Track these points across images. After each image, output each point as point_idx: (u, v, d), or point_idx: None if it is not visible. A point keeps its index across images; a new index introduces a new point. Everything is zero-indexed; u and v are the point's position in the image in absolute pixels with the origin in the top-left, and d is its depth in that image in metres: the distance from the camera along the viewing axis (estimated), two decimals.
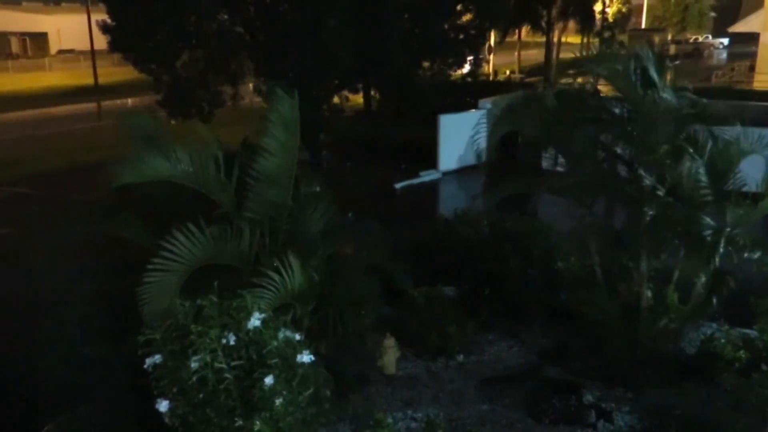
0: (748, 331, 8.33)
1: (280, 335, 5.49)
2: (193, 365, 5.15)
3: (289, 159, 6.79)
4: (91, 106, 40.41)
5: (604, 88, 9.18)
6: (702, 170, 7.60)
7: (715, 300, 8.04)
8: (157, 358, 5.35)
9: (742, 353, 7.80)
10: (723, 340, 8.10)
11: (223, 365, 5.20)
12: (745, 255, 7.68)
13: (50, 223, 16.20)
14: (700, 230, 7.37)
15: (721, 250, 7.62)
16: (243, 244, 6.64)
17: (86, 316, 6.83)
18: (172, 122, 21.28)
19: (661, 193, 7.64)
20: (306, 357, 5.45)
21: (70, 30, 72.12)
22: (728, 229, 7.48)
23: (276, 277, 6.29)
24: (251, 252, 6.75)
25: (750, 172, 7.96)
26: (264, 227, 6.82)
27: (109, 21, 21.37)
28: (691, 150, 7.43)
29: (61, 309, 7.03)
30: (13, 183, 20.93)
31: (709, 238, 7.48)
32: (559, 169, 8.53)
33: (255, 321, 5.39)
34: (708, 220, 7.39)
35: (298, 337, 5.65)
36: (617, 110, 7.97)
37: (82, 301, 7.07)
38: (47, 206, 18.56)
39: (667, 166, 7.54)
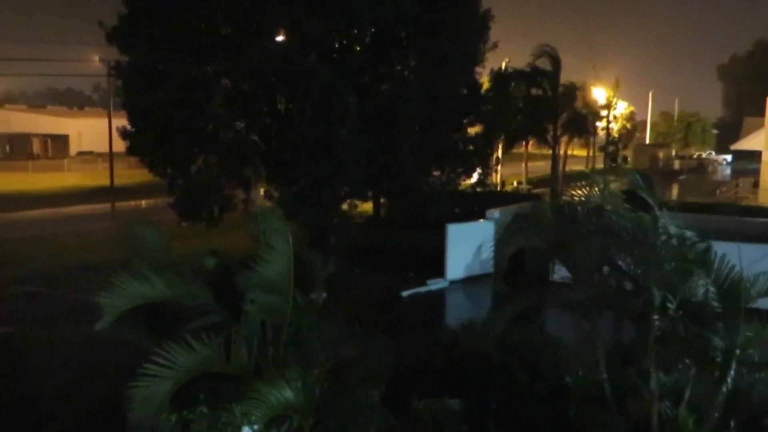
0: None
1: None
2: None
3: (286, 266, 6.83)
4: (106, 206, 41.10)
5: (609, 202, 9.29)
6: (712, 288, 7.56)
7: (732, 423, 7.75)
8: None
9: None
10: None
11: None
12: (760, 375, 7.51)
13: (54, 322, 16.10)
14: (709, 349, 7.25)
15: (734, 369, 7.45)
16: (242, 353, 6.56)
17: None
18: (183, 224, 21.62)
19: (669, 308, 7.58)
20: None
21: (91, 133, 74.61)
22: (738, 351, 7.34)
23: (272, 389, 6.17)
24: (251, 361, 6.65)
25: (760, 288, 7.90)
26: (266, 335, 6.77)
27: (128, 127, 22.15)
28: (699, 269, 7.43)
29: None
30: (22, 281, 20.99)
31: (719, 359, 7.35)
32: (566, 280, 8.52)
33: None
34: (717, 340, 7.28)
35: None
36: (622, 225, 8.04)
37: (75, 409, 6.93)
38: (53, 305, 18.51)
39: (674, 283, 7.52)
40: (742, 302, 7.55)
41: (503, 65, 33.56)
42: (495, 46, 25.92)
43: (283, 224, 6.90)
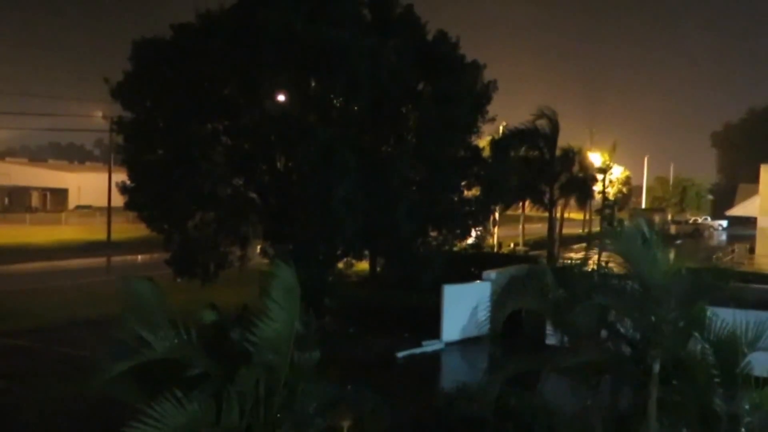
0: None
1: None
2: None
3: (289, 325, 6.77)
4: (102, 260, 41.00)
5: (607, 264, 9.28)
6: (710, 353, 7.50)
7: None
8: None
9: None
10: None
11: None
12: None
13: (43, 378, 15.83)
14: (709, 416, 7.13)
15: None
16: (233, 413, 6.42)
17: None
18: (178, 280, 21.50)
19: (667, 373, 7.50)
20: None
21: (90, 187, 75.04)
22: (747, 419, 7.22)
23: None
24: (242, 423, 6.50)
25: (759, 356, 7.83)
26: (259, 395, 6.64)
27: (128, 182, 22.29)
28: (698, 333, 7.38)
29: None
30: (13, 335, 20.73)
31: (718, 425, 7.22)
32: (563, 344, 8.44)
33: None
34: (720, 402, 7.18)
35: None
36: (621, 288, 8.03)
37: None
38: (44, 361, 18.24)
39: (674, 346, 7.46)
40: (739, 367, 7.49)
41: (500, 130, 33.99)
42: (493, 119, 26.38)
43: (294, 282, 6.84)
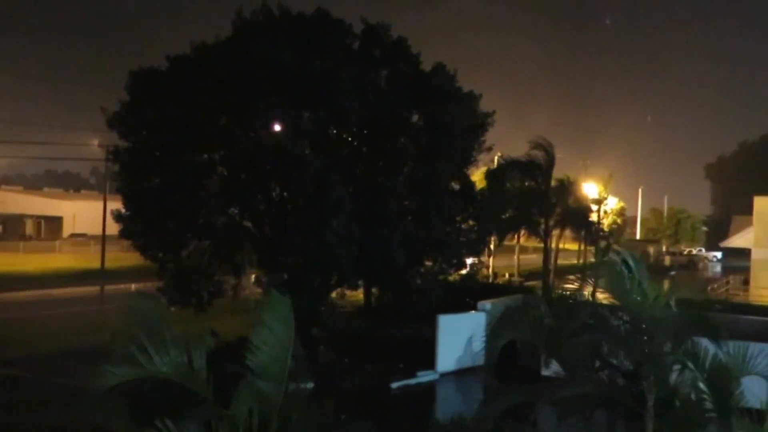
0: None
1: None
2: None
3: (283, 354, 6.76)
4: (95, 289, 40.74)
5: (600, 296, 9.30)
6: (703, 385, 7.48)
7: None
8: None
9: None
10: None
11: None
12: None
13: (32, 408, 15.63)
14: None
15: None
16: None
17: None
18: (171, 309, 21.38)
19: (662, 406, 7.46)
20: None
21: (85, 215, 74.85)
22: None
23: None
24: None
25: (752, 388, 7.82)
26: (252, 424, 6.59)
27: (123, 210, 22.30)
28: (691, 365, 7.37)
29: None
30: (4, 365, 20.53)
31: None
32: (558, 375, 8.41)
33: None
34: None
35: None
36: (614, 321, 8.03)
37: None
38: (34, 390, 18.04)
39: (666, 379, 7.45)
40: (733, 399, 7.47)
41: (495, 161, 34.19)
42: (490, 149, 26.56)
43: (288, 311, 6.86)
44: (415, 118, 24.09)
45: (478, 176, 28.97)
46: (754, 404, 7.70)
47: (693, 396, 7.46)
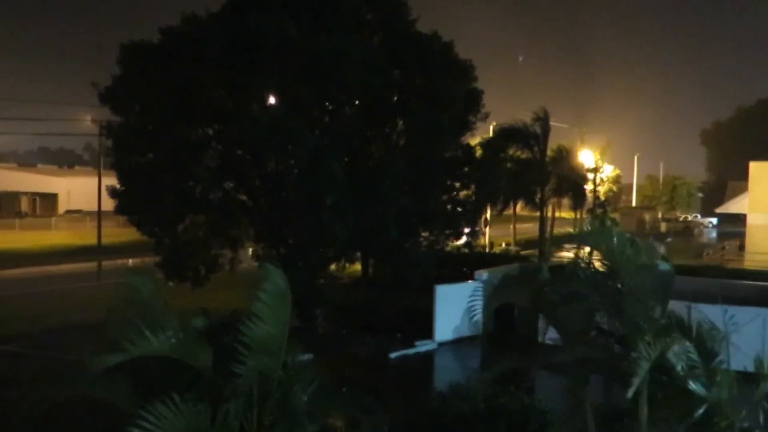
0: None
1: None
2: None
3: (280, 327, 6.77)
4: (92, 265, 40.79)
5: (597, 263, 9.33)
6: (692, 348, 7.55)
7: None
8: None
9: None
10: None
11: None
12: None
13: (33, 383, 15.73)
14: (694, 410, 7.18)
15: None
16: (228, 416, 6.41)
17: None
18: (169, 284, 21.43)
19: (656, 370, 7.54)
20: None
21: (80, 192, 74.65)
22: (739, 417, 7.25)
23: None
24: (235, 425, 6.49)
25: (748, 351, 7.90)
26: (252, 397, 6.64)
27: (118, 186, 22.21)
28: (678, 331, 7.43)
29: None
30: (5, 341, 20.63)
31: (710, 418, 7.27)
32: (555, 342, 8.47)
33: None
34: (698, 387, 7.21)
35: None
36: (606, 285, 8.06)
37: None
38: (34, 366, 18.16)
39: (657, 343, 7.50)
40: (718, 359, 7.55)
41: (491, 130, 34.05)
42: (486, 116, 26.43)
43: (285, 285, 6.85)
44: (410, 89, 23.87)
45: (474, 143, 28.87)
46: (750, 367, 7.78)
47: (683, 361, 7.51)
